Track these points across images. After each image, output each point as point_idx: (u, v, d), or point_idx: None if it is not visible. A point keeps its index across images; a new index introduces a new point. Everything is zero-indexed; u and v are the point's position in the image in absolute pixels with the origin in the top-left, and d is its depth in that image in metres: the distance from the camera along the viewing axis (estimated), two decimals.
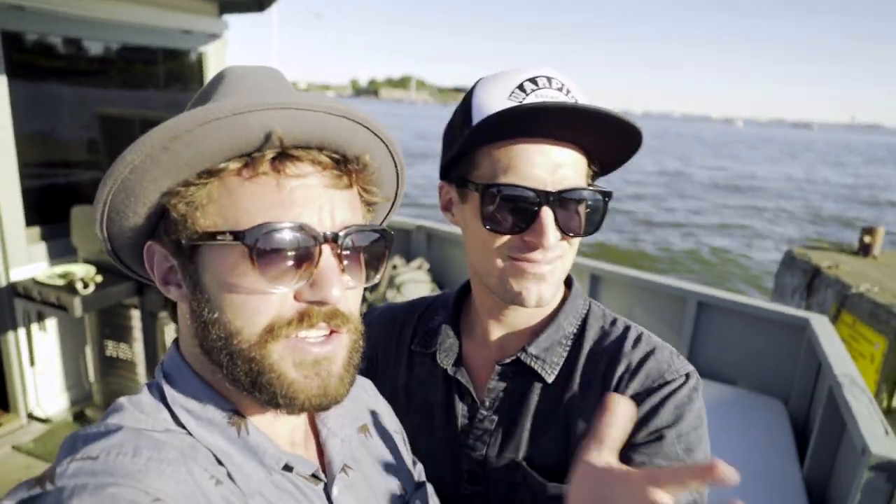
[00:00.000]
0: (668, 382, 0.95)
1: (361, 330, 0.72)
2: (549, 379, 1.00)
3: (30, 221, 3.61)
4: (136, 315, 3.53)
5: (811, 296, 7.04)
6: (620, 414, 0.68)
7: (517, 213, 0.91)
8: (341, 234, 0.66)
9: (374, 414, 0.94)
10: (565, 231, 0.92)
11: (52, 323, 3.76)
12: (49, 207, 3.79)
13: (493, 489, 1.02)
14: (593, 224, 0.95)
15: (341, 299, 0.66)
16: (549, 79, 0.93)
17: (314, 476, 0.74)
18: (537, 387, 1.01)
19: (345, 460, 0.79)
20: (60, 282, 3.33)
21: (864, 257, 7.85)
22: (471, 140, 0.93)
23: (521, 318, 1.03)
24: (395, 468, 0.91)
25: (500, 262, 0.95)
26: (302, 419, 0.79)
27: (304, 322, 0.64)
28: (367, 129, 0.69)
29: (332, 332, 0.67)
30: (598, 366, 1.00)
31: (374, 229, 0.71)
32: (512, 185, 0.90)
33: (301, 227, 0.63)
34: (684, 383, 0.95)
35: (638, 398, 0.94)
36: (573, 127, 0.89)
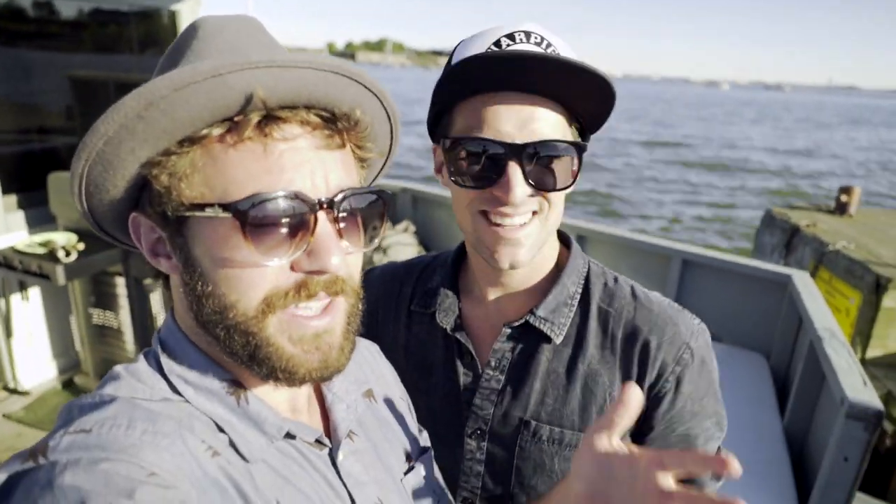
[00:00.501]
0: (691, 348, 0.98)
1: (360, 293, 0.70)
2: (558, 340, 1.01)
3: (6, 190, 3.52)
4: (121, 282, 3.49)
5: (790, 254, 7.18)
6: (634, 403, 0.68)
7: (484, 166, 0.90)
8: (337, 198, 0.62)
9: (379, 378, 0.94)
10: (537, 186, 0.90)
11: (35, 292, 3.70)
12: (25, 175, 3.69)
13: (498, 445, 1.03)
14: (567, 178, 0.92)
15: (341, 267, 0.63)
16: (527, 34, 0.91)
17: (318, 442, 0.73)
18: (545, 348, 1.02)
19: (350, 426, 0.77)
20: (41, 250, 3.26)
21: (840, 216, 7.99)
22: (440, 95, 0.93)
23: (518, 278, 1.03)
24: (401, 433, 0.90)
25: (472, 220, 0.95)
26: (305, 387, 0.76)
27: (301, 293, 0.62)
28: (358, 83, 0.65)
29: (330, 300, 0.64)
30: (614, 328, 1.01)
31: (371, 191, 0.68)
32: (478, 139, 0.90)
33: (294, 195, 0.59)
34: (701, 342, 0.99)
35: (665, 366, 0.97)
36: (545, 79, 0.86)
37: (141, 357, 0.69)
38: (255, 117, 0.58)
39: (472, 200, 0.93)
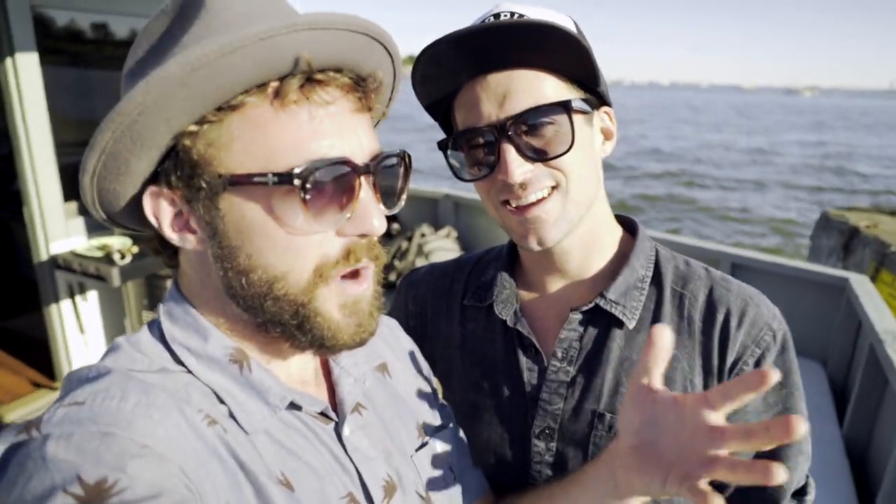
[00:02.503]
0: (773, 331, 0.91)
1: (384, 261, 0.70)
2: (631, 324, 0.94)
3: (67, 197, 3.68)
4: (170, 285, 3.60)
5: (848, 256, 6.87)
6: (665, 343, 0.66)
7: (482, 154, 0.88)
8: (373, 162, 0.63)
9: (396, 353, 0.91)
10: (535, 157, 0.86)
11: (92, 294, 3.86)
12: None
13: (569, 444, 0.95)
14: (565, 141, 0.86)
15: (383, 229, 0.64)
16: (496, 15, 0.88)
17: (324, 415, 0.71)
18: (617, 334, 0.95)
19: (357, 399, 0.76)
20: (98, 253, 3.42)
21: None
22: (420, 96, 0.93)
23: (576, 264, 0.98)
24: (415, 408, 0.87)
25: (496, 211, 0.93)
26: (311, 357, 0.75)
27: (349, 259, 0.62)
28: (382, 45, 0.65)
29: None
30: (691, 311, 0.94)
31: (396, 154, 0.68)
32: (464, 132, 0.89)
33: (344, 161, 0.60)
34: (784, 329, 0.93)
35: (745, 348, 0.91)
36: (505, 49, 0.83)
37: (144, 327, 0.69)
38: (296, 81, 0.58)
39: (489, 192, 0.91)
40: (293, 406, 0.68)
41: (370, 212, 0.62)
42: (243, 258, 0.61)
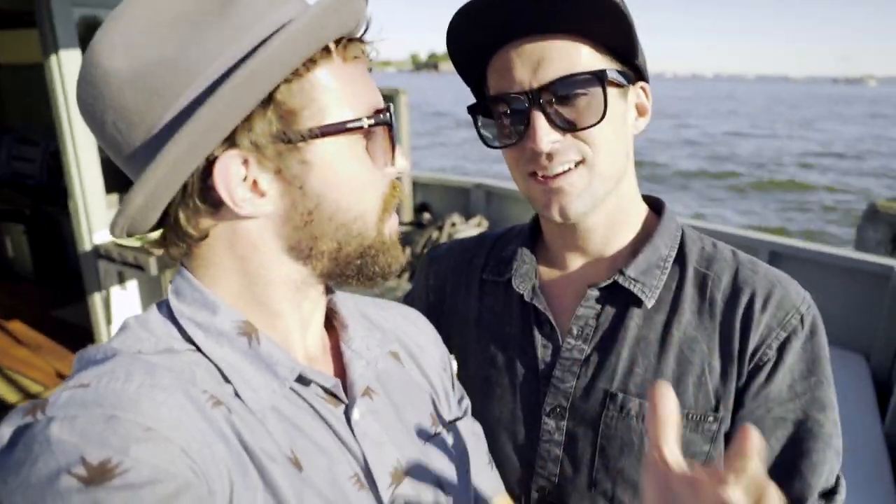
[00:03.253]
0: (801, 314, 0.87)
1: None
2: (650, 303, 0.91)
3: (109, 188, 3.83)
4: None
5: None
6: (668, 407, 0.57)
7: (512, 121, 0.87)
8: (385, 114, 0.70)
9: (413, 340, 0.90)
10: (565, 128, 0.84)
11: (132, 283, 4.00)
12: (126, 177, 3.98)
13: (580, 424, 0.92)
14: (596, 113, 0.83)
15: (409, 166, 0.74)
16: None
17: (333, 395, 0.71)
18: (635, 312, 0.92)
19: (367, 383, 0.75)
20: (137, 243, 3.53)
21: None
22: (457, 63, 0.93)
23: (598, 240, 0.96)
24: (431, 397, 0.86)
25: (523, 180, 0.91)
26: (319, 335, 0.76)
27: (395, 193, 0.71)
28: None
29: None
30: (713, 291, 0.91)
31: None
32: (496, 97, 0.87)
33: (387, 109, 0.68)
34: (813, 313, 0.89)
35: (770, 331, 0.87)
36: (546, 14, 0.81)
37: (153, 306, 0.69)
38: (350, 41, 0.66)
39: (517, 160, 0.90)
40: (302, 381, 0.68)
41: (399, 152, 0.71)
42: (327, 205, 0.65)
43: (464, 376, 1.07)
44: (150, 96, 0.58)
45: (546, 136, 0.83)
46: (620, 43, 0.85)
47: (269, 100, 0.59)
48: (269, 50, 0.56)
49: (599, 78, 0.83)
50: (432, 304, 1.14)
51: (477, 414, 1.02)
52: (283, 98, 0.60)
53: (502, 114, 0.87)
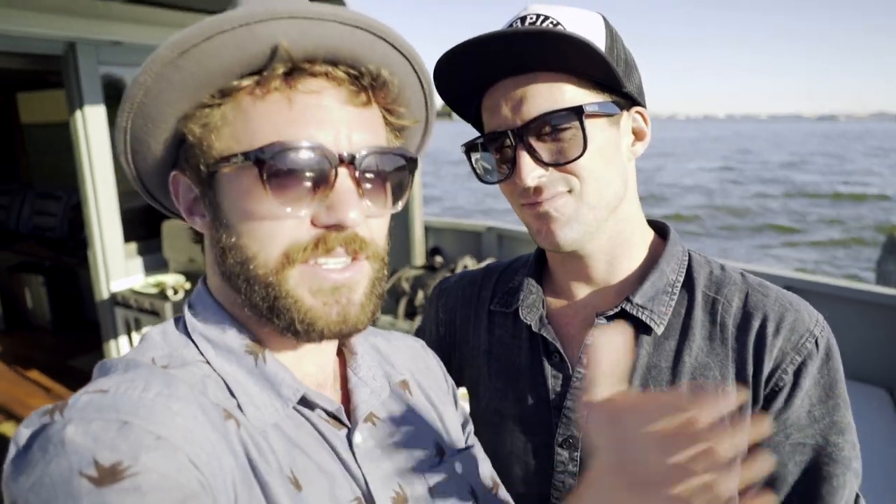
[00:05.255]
0: (815, 337, 0.86)
1: (385, 259, 0.69)
2: (659, 330, 0.91)
3: (127, 238, 3.92)
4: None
5: None
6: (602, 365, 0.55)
7: (501, 157, 0.90)
8: (358, 155, 0.62)
9: (421, 371, 0.90)
10: (549, 163, 0.86)
11: (147, 329, 4.04)
12: (143, 225, 4.10)
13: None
14: (576, 146, 0.85)
15: (359, 223, 0.62)
16: (523, 18, 0.89)
17: (336, 419, 0.71)
18: (645, 340, 0.91)
19: (371, 409, 0.75)
20: (153, 290, 3.59)
21: None
22: (445, 98, 0.95)
23: (602, 268, 0.96)
24: (436, 427, 0.85)
25: (517, 209, 0.93)
26: (329, 361, 0.76)
27: (319, 248, 0.62)
28: (385, 41, 0.64)
29: (353, 259, 0.64)
30: (724, 316, 0.90)
31: (396, 152, 0.67)
32: (484, 136, 0.90)
33: (314, 148, 0.60)
34: (827, 335, 0.88)
35: (784, 355, 0.86)
36: (526, 55, 0.83)
37: (171, 319, 0.71)
38: (280, 69, 0.59)
39: (510, 193, 0.92)
40: (306, 404, 0.68)
41: (346, 203, 0.61)
42: (226, 238, 0.64)
43: (475, 408, 1.06)
44: None
45: (531, 172, 0.85)
46: (601, 76, 0.87)
47: (183, 127, 0.63)
48: (133, 81, 0.61)
49: (577, 113, 0.84)
50: (442, 336, 1.14)
51: (490, 446, 1.00)
52: (192, 125, 0.63)
53: (495, 150, 0.91)
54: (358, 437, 0.71)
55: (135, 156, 0.67)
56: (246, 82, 0.60)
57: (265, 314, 0.63)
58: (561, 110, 0.84)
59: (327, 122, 0.61)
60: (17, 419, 4.12)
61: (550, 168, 0.86)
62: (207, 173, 0.63)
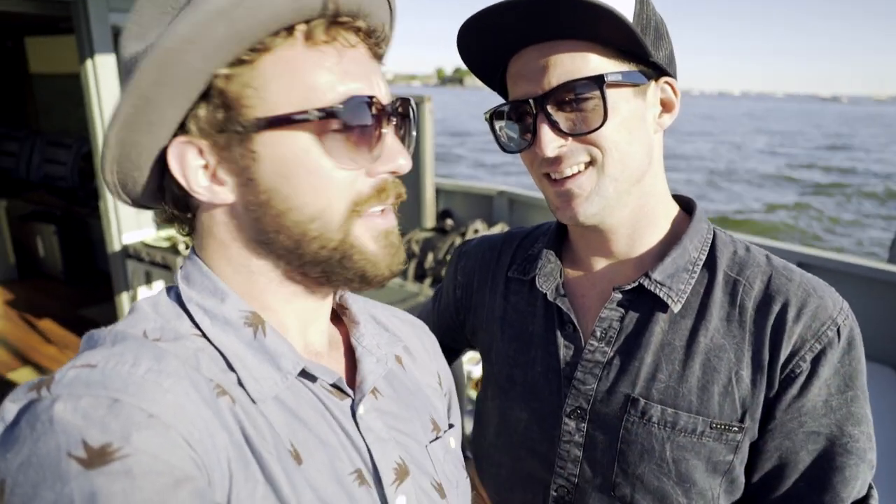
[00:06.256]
0: (838, 325, 0.84)
1: (405, 197, 0.72)
2: (676, 308, 0.89)
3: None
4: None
5: None
6: None
7: (521, 127, 0.89)
8: (391, 106, 0.65)
9: (415, 348, 0.91)
10: (569, 132, 0.84)
11: (159, 283, 4.07)
12: None
13: (600, 427, 0.91)
14: (597, 116, 0.83)
15: (409, 167, 0.66)
16: None
17: (339, 389, 0.70)
18: (660, 317, 0.90)
19: (377, 380, 0.75)
20: (165, 244, 3.60)
21: None
22: (470, 65, 0.93)
23: (624, 242, 0.94)
24: (429, 402, 0.85)
25: (537, 180, 0.92)
26: (325, 329, 0.76)
27: (380, 196, 0.65)
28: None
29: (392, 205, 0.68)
30: (744, 298, 0.88)
31: (407, 100, 0.70)
32: (504, 105, 0.90)
33: (374, 101, 0.62)
34: (850, 324, 0.86)
35: (803, 342, 0.84)
36: (550, 21, 0.81)
37: (163, 290, 0.69)
38: (322, 23, 0.60)
39: (532, 163, 0.91)
40: (307, 376, 0.67)
41: (397, 150, 0.65)
42: (279, 200, 0.61)
43: (488, 372, 1.08)
44: None
45: (550, 142, 0.84)
46: (626, 44, 0.84)
47: (211, 86, 0.59)
48: (174, 36, 0.55)
49: (598, 82, 0.82)
50: (459, 299, 1.15)
51: (500, 410, 1.02)
52: (223, 85, 0.59)
53: (517, 119, 0.89)
54: (361, 409, 0.71)
55: (134, 125, 0.61)
56: (286, 37, 0.59)
57: (333, 268, 0.65)
58: (581, 79, 0.82)
59: (368, 75, 0.63)
60: (31, 366, 4.20)
61: (571, 138, 0.85)
62: (244, 134, 0.60)
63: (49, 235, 5.65)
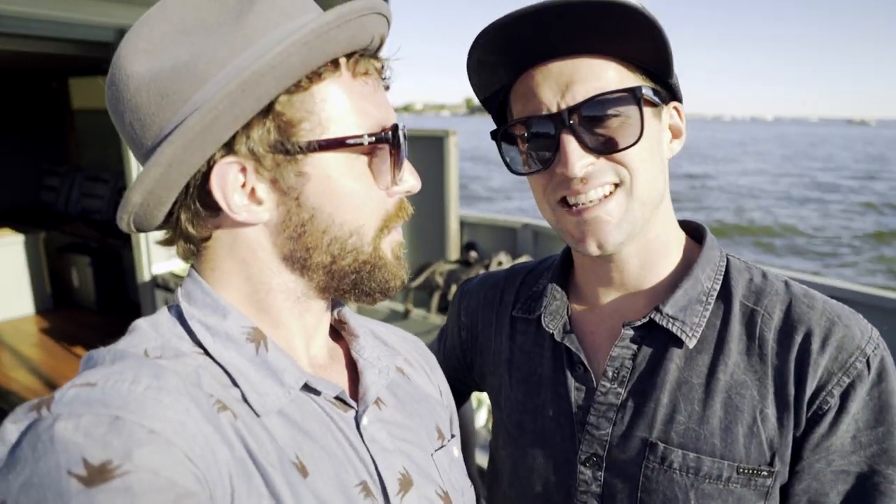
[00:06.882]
0: (867, 356, 0.78)
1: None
2: (691, 343, 0.83)
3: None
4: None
5: None
6: None
7: (540, 145, 0.82)
8: (403, 131, 0.70)
9: (413, 362, 0.91)
10: (598, 150, 0.79)
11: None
12: None
13: (618, 475, 0.85)
14: (633, 133, 0.78)
15: (419, 186, 0.73)
16: None
17: (342, 401, 0.71)
18: (675, 353, 0.85)
19: (380, 391, 0.75)
20: None
21: None
22: (476, 86, 0.90)
23: (634, 273, 0.89)
24: (433, 413, 0.85)
25: (552, 210, 0.86)
26: (325, 342, 0.77)
27: (401, 214, 0.72)
28: (387, 20, 0.70)
29: None
30: (763, 329, 0.83)
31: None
32: (521, 120, 0.83)
33: (403, 126, 0.69)
34: (881, 354, 0.79)
35: (830, 376, 0.78)
36: (571, 32, 0.77)
37: (164, 308, 0.69)
38: (364, 56, 0.67)
39: (545, 188, 0.85)
40: (310, 390, 0.68)
41: (411, 172, 0.71)
42: (323, 218, 0.66)
43: (498, 419, 1.03)
44: (161, 99, 0.60)
45: (578, 159, 0.78)
46: (655, 60, 0.81)
47: (268, 109, 0.61)
48: (262, 62, 0.57)
49: (635, 95, 0.78)
50: (465, 341, 1.11)
51: (510, 460, 0.98)
52: (282, 109, 0.61)
53: (529, 138, 0.83)
54: (365, 420, 0.72)
55: (191, 148, 0.61)
56: (327, 70, 0.64)
57: (364, 280, 0.70)
58: (616, 92, 0.78)
59: (389, 103, 0.71)
60: None
61: (600, 156, 0.80)
62: (293, 155, 0.63)
63: (84, 267, 5.81)
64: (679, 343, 0.85)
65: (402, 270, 0.73)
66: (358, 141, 0.64)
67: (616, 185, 0.81)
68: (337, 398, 0.71)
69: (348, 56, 0.65)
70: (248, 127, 0.61)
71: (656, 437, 0.83)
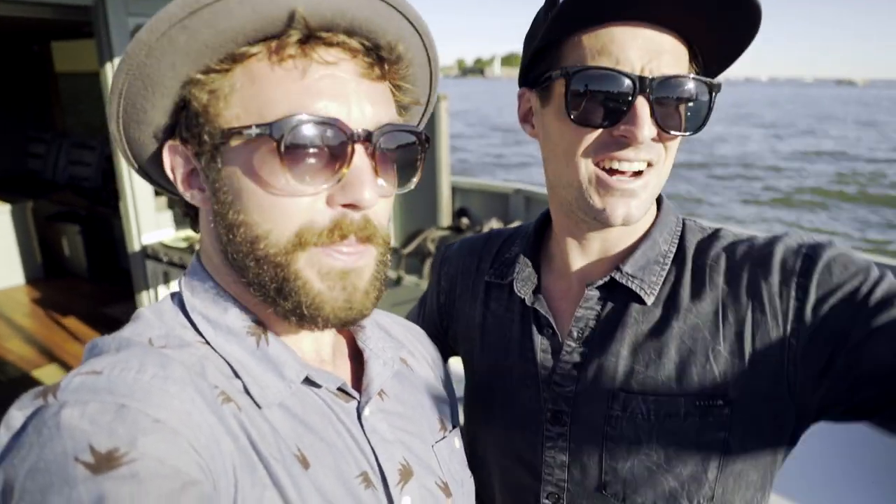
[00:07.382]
0: (805, 252, 0.81)
1: (389, 243, 0.68)
2: (649, 300, 0.88)
3: (157, 192, 3.95)
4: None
5: None
6: None
7: (609, 102, 0.79)
8: (375, 132, 0.60)
9: (416, 352, 0.91)
10: (663, 127, 0.79)
11: (175, 282, 4.14)
12: None
13: (583, 428, 0.89)
14: (697, 121, 0.82)
15: (375, 202, 0.61)
16: None
17: (343, 392, 0.70)
18: (634, 309, 0.89)
19: (383, 383, 0.75)
20: (183, 244, 3.66)
21: None
22: (557, 23, 0.81)
23: (606, 241, 0.92)
24: (437, 402, 0.86)
25: (584, 170, 0.84)
26: (330, 336, 0.76)
27: (335, 233, 0.60)
28: (401, 14, 0.63)
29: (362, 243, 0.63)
30: (713, 276, 0.87)
31: (410, 130, 0.65)
32: (604, 69, 0.79)
33: (332, 122, 0.58)
34: (826, 245, 0.81)
35: (785, 277, 0.80)
36: (675, 8, 0.76)
37: (167, 297, 0.69)
38: (295, 36, 0.58)
39: (589, 145, 0.82)
40: (311, 383, 0.68)
41: (363, 182, 0.60)
42: (232, 214, 0.61)
43: (469, 382, 1.06)
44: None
45: (649, 129, 0.79)
46: (719, 62, 0.84)
47: (187, 91, 0.61)
48: (134, 39, 0.57)
49: (711, 90, 0.81)
50: (442, 305, 1.14)
51: (482, 421, 1.01)
52: (196, 91, 0.60)
53: (595, 91, 0.80)
54: (367, 411, 0.71)
55: (127, 122, 0.63)
56: (257, 48, 0.58)
57: (271, 295, 0.62)
58: (702, 80, 0.81)
59: (342, 94, 0.60)
60: (56, 363, 4.31)
61: (658, 131, 0.80)
62: (212, 144, 0.60)
63: (74, 235, 5.78)
64: (639, 300, 0.89)
65: (338, 302, 0.62)
66: (248, 132, 0.57)
67: (648, 164, 0.83)
68: (339, 389, 0.70)
69: (274, 38, 0.58)
70: (180, 109, 0.62)
71: (618, 387, 0.87)
